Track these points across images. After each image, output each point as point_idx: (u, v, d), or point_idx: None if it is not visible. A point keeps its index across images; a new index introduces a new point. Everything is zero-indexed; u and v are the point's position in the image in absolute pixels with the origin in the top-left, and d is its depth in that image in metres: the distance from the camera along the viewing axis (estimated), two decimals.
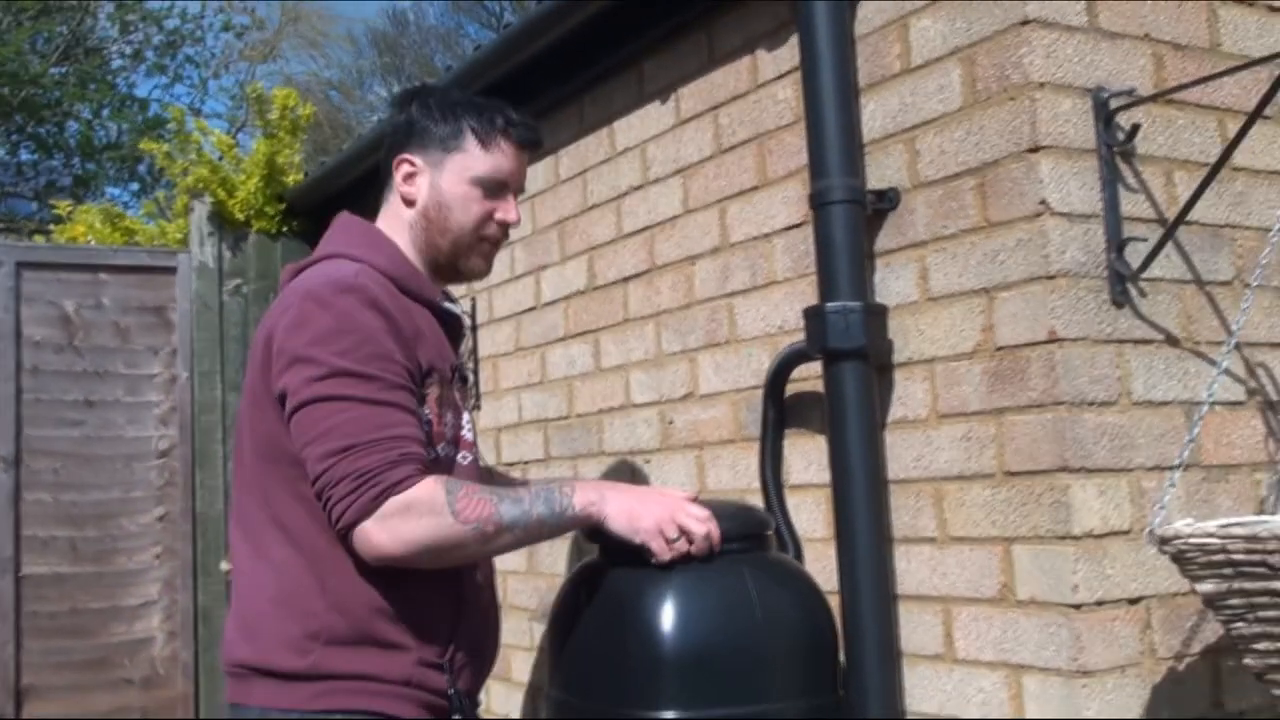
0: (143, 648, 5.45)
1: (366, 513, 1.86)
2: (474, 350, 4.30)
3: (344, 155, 5.34)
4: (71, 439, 5.37)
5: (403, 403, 1.94)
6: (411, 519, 1.87)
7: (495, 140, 2.20)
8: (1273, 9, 2.69)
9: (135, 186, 16.49)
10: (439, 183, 2.18)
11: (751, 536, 2.42)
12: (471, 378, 2.33)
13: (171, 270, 5.63)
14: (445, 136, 2.18)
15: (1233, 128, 2.57)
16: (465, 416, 2.18)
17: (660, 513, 2.09)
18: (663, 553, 2.09)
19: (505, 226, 2.25)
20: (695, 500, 2.17)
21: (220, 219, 5.69)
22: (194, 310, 5.62)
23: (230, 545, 2.18)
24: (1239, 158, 2.54)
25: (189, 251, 5.70)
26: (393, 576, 1.97)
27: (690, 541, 2.11)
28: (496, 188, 2.21)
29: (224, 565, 5.48)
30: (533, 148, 2.30)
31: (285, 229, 5.80)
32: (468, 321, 2.25)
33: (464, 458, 2.14)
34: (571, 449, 3.82)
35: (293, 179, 5.80)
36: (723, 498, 3.12)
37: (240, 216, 5.69)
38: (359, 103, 26.36)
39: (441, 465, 2.04)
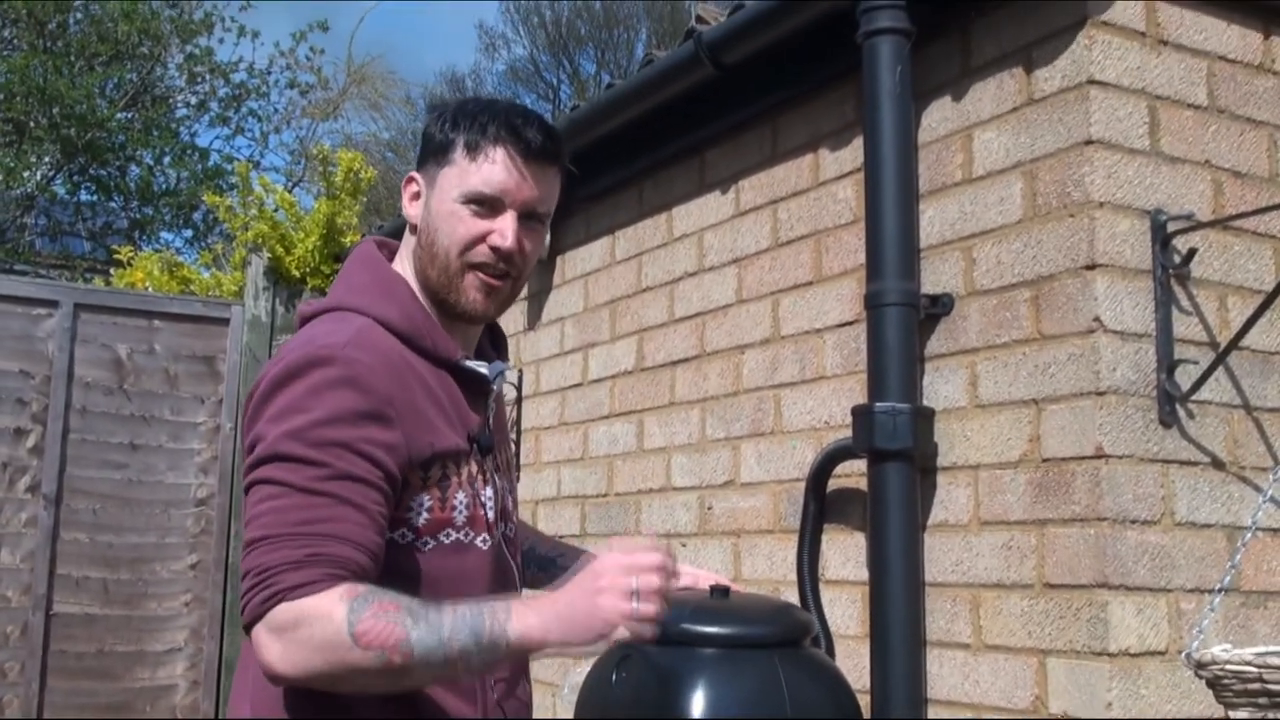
0: (165, 695, 5.47)
1: (256, 617, 1.54)
2: (517, 421, 4.34)
3: (400, 220, 5.42)
4: (113, 481, 5.43)
5: (347, 495, 1.59)
6: (302, 635, 1.52)
7: (485, 149, 1.81)
8: None
9: (189, 233, 16.73)
10: (432, 202, 1.81)
11: (789, 642, 2.43)
12: (495, 449, 1.88)
13: (224, 321, 5.72)
14: (439, 149, 1.83)
15: None
16: (488, 492, 1.82)
17: (606, 596, 1.57)
18: (638, 633, 1.59)
19: (498, 252, 1.80)
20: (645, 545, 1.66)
21: (276, 274, 5.79)
22: (243, 362, 5.69)
23: None
24: None
25: (243, 304, 5.79)
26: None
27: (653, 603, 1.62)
28: (489, 204, 1.80)
29: None
30: (541, 157, 1.85)
31: None
32: (510, 381, 1.85)
33: (483, 541, 1.80)
34: (608, 527, 3.84)
35: (350, 239, 5.90)
36: (758, 590, 3.13)
37: (296, 273, 5.79)
38: (412, 165, 26.77)
39: (444, 553, 1.74)
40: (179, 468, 5.56)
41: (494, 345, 1.98)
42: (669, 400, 3.63)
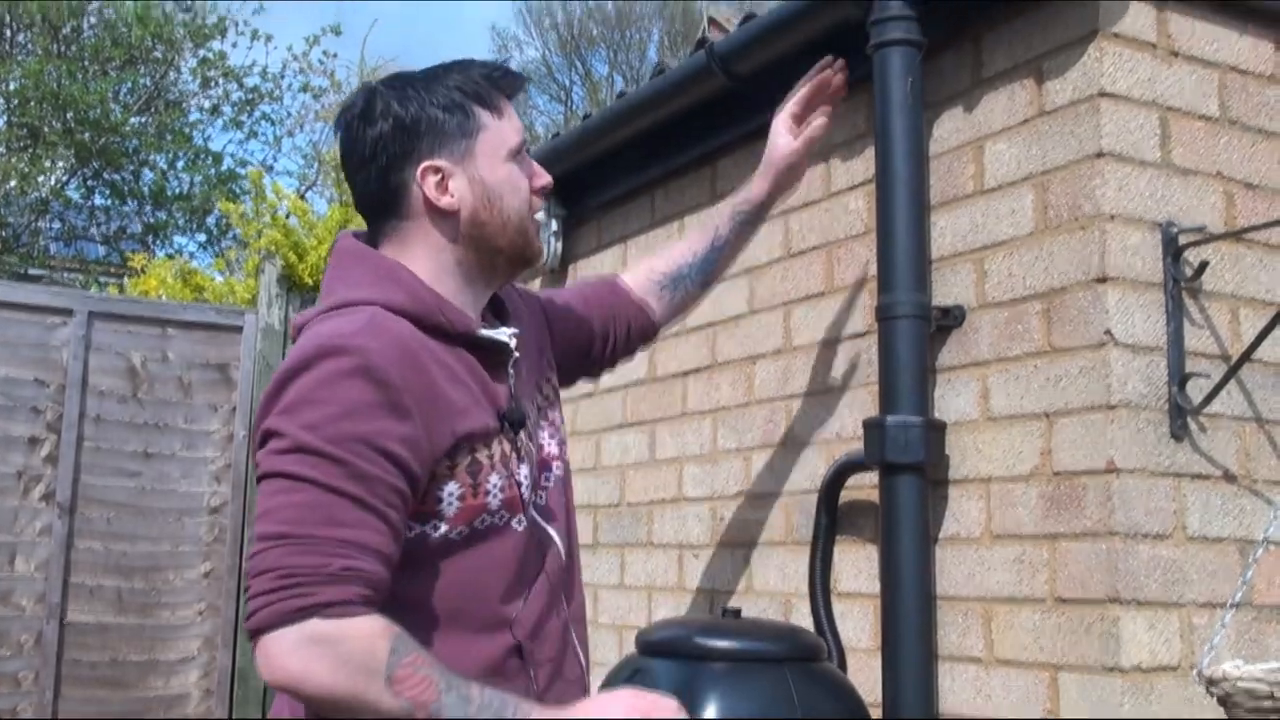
0: (178, 704, 5.49)
1: (282, 622, 1.50)
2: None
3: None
4: (127, 489, 5.45)
5: (368, 498, 1.56)
6: (340, 654, 1.50)
7: (500, 104, 1.84)
8: None
9: (202, 237, 16.78)
10: (479, 174, 1.79)
11: (800, 657, 2.44)
12: (533, 415, 1.87)
13: (238, 329, 5.74)
14: (458, 124, 1.78)
15: None
16: (524, 470, 1.78)
17: None
18: None
19: (545, 190, 1.91)
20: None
21: (289, 281, 5.81)
22: (256, 370, 5.71)
23: None
24: None
25: (256, 311, 5.81)
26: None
27: None
28: (520, 153, 1.86)
29: None
30: (520, 90, 1.92)
31: None
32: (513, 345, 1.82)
33: (519, 522, 1.76)
34: (620, 537, 3.84)
35: None
36: (770, 602, 3.13)
37: (309, 280, 5.81)
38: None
39: (476, 540, 1.71)
40: (193, 476, 5.58)
41: (495, 313, 1.94)
42: (681, 410, 3.63)
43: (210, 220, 16.47)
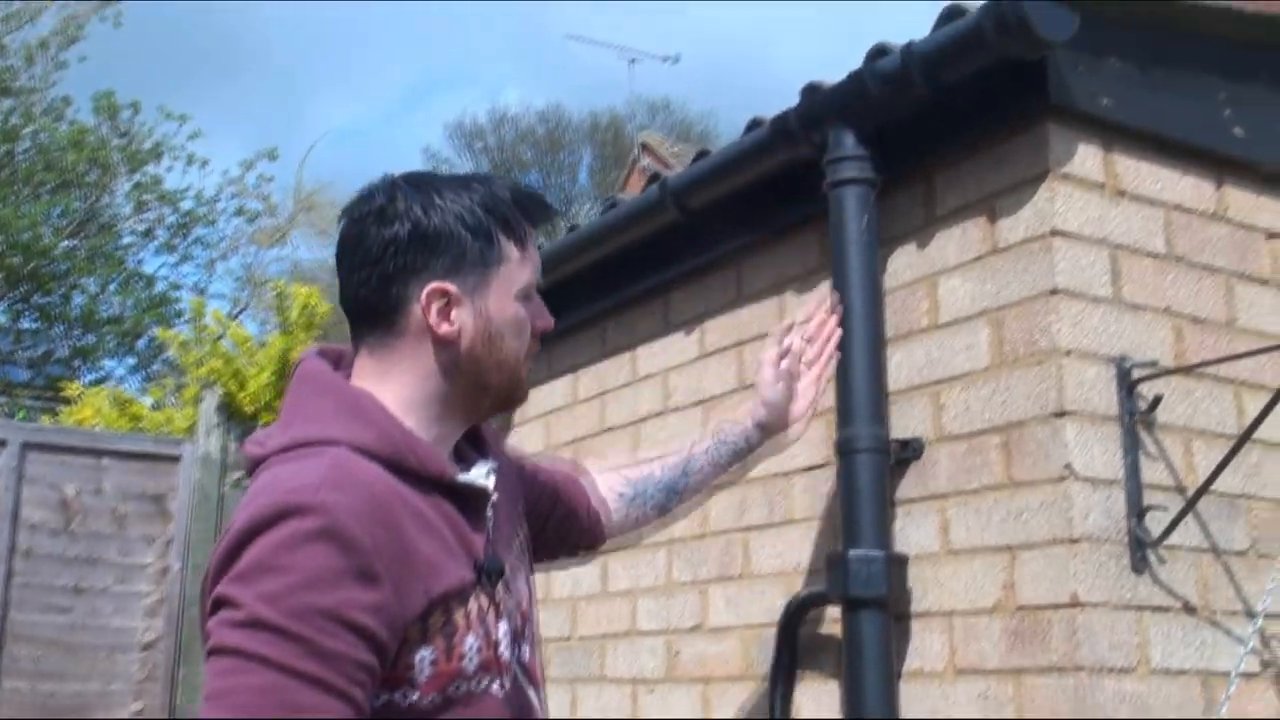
0: None
1: None
2: None
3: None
4: (56, 625, 5.30)
5: (331, 679, 1.41)
6: None
7: (524, 234, 1.69)
8: None
9: (132, 361, 16.63)
10: (487, 309, 1.64)
11: None
12: (511, 564, 1.69)
13: (175, 459, 5.66)
14: (481, 250, 1.63)
15: (1248, 400, 2.64)
16: (503, 627, 1.63)
17: None
18: None
19: (545, 334, 1.78)
20: None
21: (229, 410, 5.75)
22: (194, 501, 5.62)
23: None
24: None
25: (194, 441, 5.73)
26: None
27: None
28: (531, 291, 1.72)
29: None
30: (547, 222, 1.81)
31: None
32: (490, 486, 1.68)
33: (498, 687, 1.61)
34: (571, 671, 3.78)
35: None
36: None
37: (249, 409, 5.75)
38: None
39: (452, 709, 1.57)
40: (125, 611, 5.44)
41: (472, 443, 1.78)
42: (634, 542, 3.59)
43: (141, 344, 16.32)
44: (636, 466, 2.26)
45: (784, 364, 2.35)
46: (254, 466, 1.60)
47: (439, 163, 31.18)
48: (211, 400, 5.76)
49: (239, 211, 17.30)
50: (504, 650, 1.62)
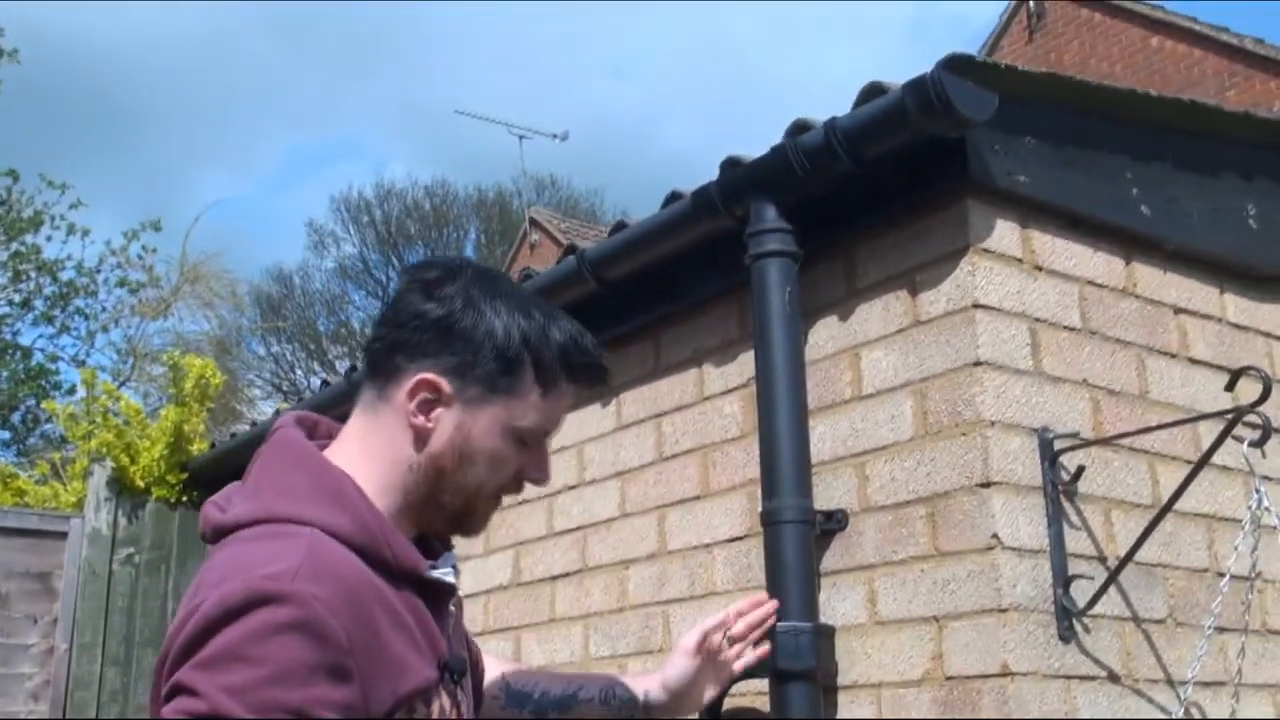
0: None
1: None
2: None
3: (255, 430, 5.33)
4: None
5: None
6: None
7: (560, 385, 1.62)
8: (1193, 361, 2.88)
9: (7, 435, 16.09)
10: (469, 428, 1.58)
11: None
12: (466, 667, 1.63)
13: (62, 535, 5.46)
14: (497, 373, 1.57)
15: (1161, 470, 2.71)
16: None
17: None
18: None
19: (531, 484, 1.70)
20: None
21: (120, 485, 5.58)
22: (81, 578, 5.42)
23: None
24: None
25: (82, 517, 5.54)
26: None
27: None
28: (534, 440, 1.64)
29: None
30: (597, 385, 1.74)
31: (186, 498, 5.70)
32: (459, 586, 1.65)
33: None
34: None
35: (198, 447, 5.73)
36: None
37: (141, 483, 5.59)
38: (236, 360, 26.41)
39: None
40: (8, 694, 5.21)
41: (427, 543, 1.70)
42: (549, 617, 3.55)
43: (16, 417, 15.81)
44: (524, 671, 2.20)
45: (708, 642, 2.33)
46: (215, 534, 1.53)
47: (323, 235, 30.95)
48: (101, 474, 5.58)
49: (121, 282, 16.89)
50: None
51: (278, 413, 5.31)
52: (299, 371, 29.29)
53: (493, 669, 2.11)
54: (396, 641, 1.48)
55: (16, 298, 16.44)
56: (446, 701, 1.55)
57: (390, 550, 1.52)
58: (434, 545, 1.70)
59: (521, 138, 22.21)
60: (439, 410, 1.58)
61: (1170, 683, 2.57)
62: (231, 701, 1.32)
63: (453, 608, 1.63)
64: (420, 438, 1.59)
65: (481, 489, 1.63)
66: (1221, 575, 2.64)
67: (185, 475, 5.67)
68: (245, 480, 1.59)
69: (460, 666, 1.59)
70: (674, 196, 3.14)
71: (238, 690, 1.32)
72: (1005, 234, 2.61)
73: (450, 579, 1.61)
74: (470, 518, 1.67)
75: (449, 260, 1.65)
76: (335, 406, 4.02)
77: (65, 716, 5.23)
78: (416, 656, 1.51)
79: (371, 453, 1.59)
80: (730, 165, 2.90)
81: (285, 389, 27.43)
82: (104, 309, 17.41)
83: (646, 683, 2.23)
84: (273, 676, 1.33)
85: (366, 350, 1.66)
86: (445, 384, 1.57)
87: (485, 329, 1.57)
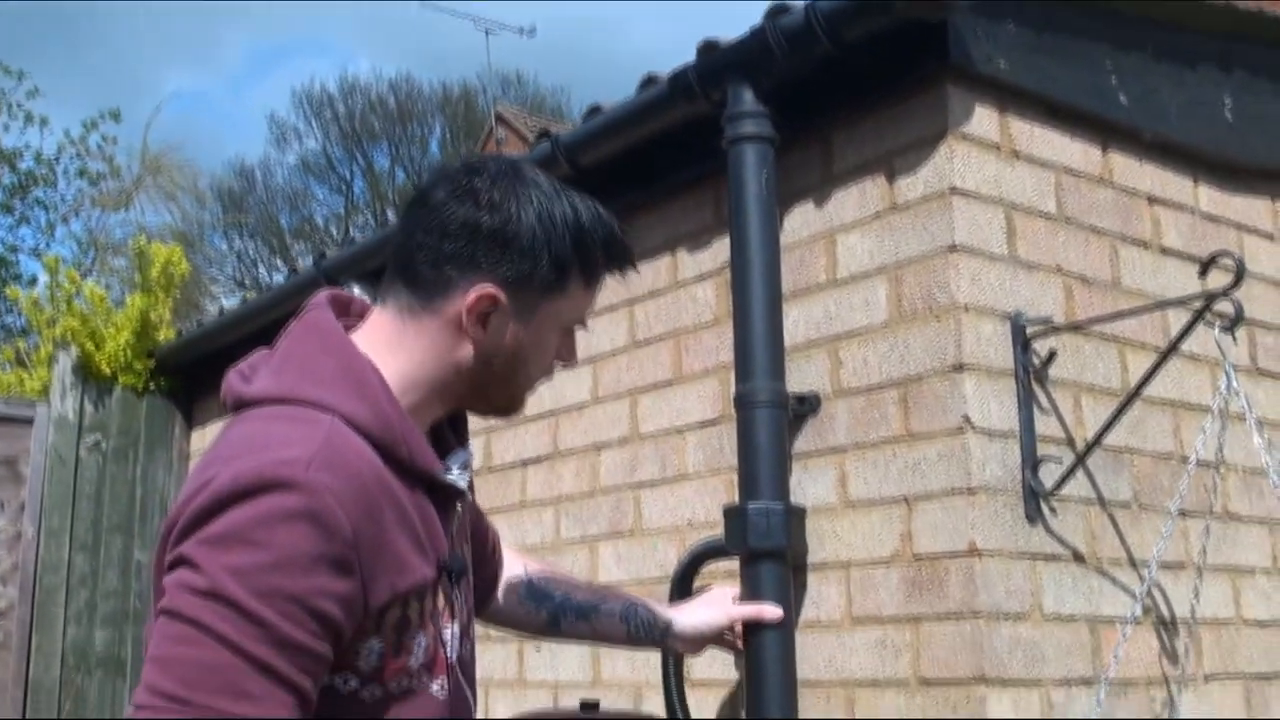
0: None
1: None
2: None
3: (224, 318, 5.28)
4: None
5: (283, 668, 1.37)
6: None
7: (597, 279, 1.65)
8: (1165, 250, 2.90)
9: None
10: (522, 334, 1.59)
11: None
12: (470, 569, 1.70)
13: (28, 421, 5.43)
14: (550, 279, 1.58)
15: (1131, 358, 2.74)
16: (453, 628, 1.60)
17: None
18: None
19: (561, 368, 1.74)
20: None
21: (85, 371, 5.53)
22: (48, 464, 5.40)
23: None
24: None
25: (48, 403, 5.50)
26: None
27: None
28: (574, 328, 1.70)
29: None
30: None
31: (153, 385, 5.67)
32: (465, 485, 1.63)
33: (439, 688, 1.57)
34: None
35: (165, 335, 5.69)
36: (620, 694, 3.09)
37: (107, 370, 5.54)
38: (198, 254, 26.15)
39: (391, 703, 1.52)
40: None
41: (452, 425, 1.71)
42: (519, 500, 3.58)
43: None
44: (550, 575, 2.20)
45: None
46: (236, 405, 1.54)
47: (285, 130, 30.51)
48: (66, 361, 5.53)
49: (81, 173, 16.60)
50: (450, 651, 1.59)
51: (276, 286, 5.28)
52: (261, 268, 29.05)
53: (516, 565, 2.13)
54: (400, 539, 1.48)
55: None
56: (441, 600, 1.56)
57: (406, 448, 1.51)
58: (448, 439, 1.68)
59: (488, 32, 21.81)
60: (494, 320, 1.57)
61: (1133, 563, 2.62)
62: (232, 581, 1.33)
63: (460, 508, 1.63)
64: (473, 344, 1.58)
65: (530, 380, 1.65)
66: (1186, 460, 2.69)
67: (152, 362, 5.63)
68: (272, 353, 1.58)
69: (460, 567, 1.60)
70: (650, 80, 3.11)
71: (239, 571, 1.34)
72: (984, 120, 2.60)
73: (461, 483, 1.61)
74: (512, 405, 1.69)
75: (486, 162, 1.62)
76: (297, 297, 4.00)
77: (34, 600, 5.25)
78: (418, 555, 1.51)
79: (405, 348, 1.58)
80: (708, 48, 2.88)
81: (248, 284, 27.20)
82: (64, 200, 17.14)
83: (669, 613, 2.27)
84: (276, 562, 1.35)
85: (403, 260, 1.61)
86: (503, 296, 1.55)
87: (541, 236, 1.56)
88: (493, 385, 1.62)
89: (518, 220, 1.55)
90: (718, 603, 2.41)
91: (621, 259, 1.66)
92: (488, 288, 1.54)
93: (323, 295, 1.64)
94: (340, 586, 1.39)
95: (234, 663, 1.33)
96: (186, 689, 1.32)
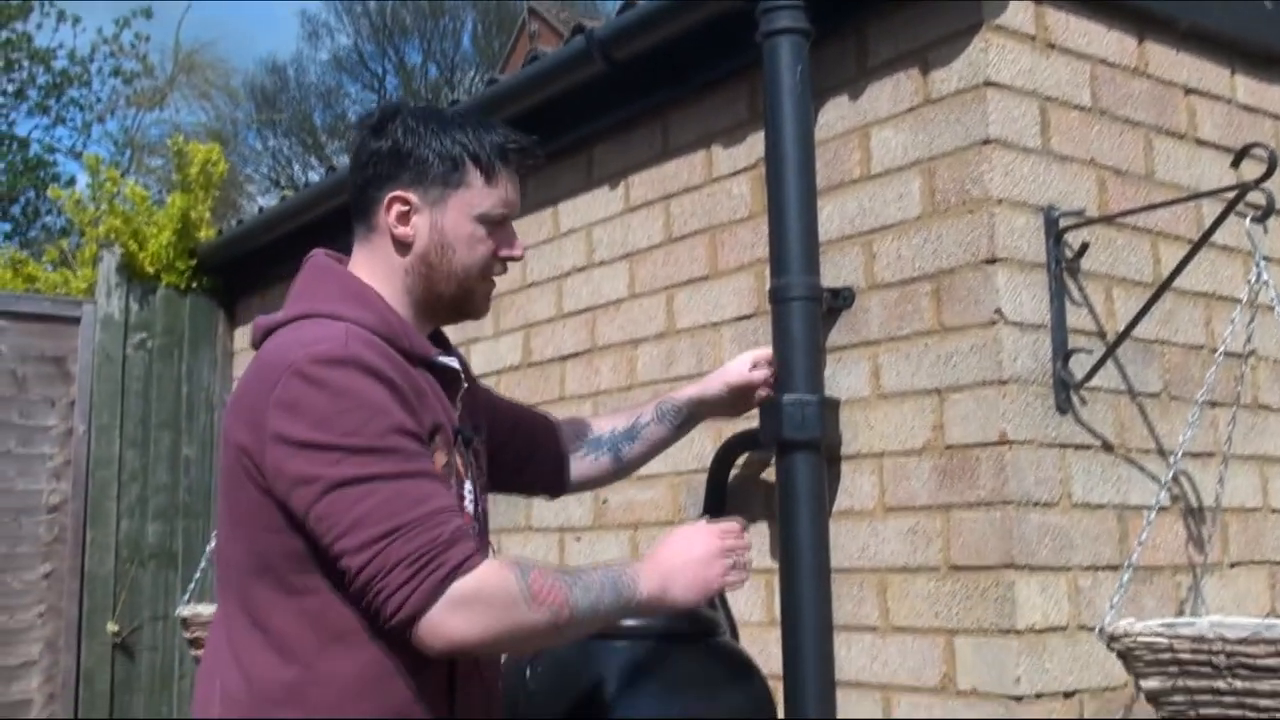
0: (20, 710, 5.26)
1: (432, 598, 1.65)
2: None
3: (263, 217, 5.33)
4: None
5: (430, 471, 1.74)
6: (485, 600, 1.68)
7: (498, 170, 1.94)
8: (1200, 142, 2.89)
9: (8, 226, 16.07)
10: (441, 223, 1.90)
11: (698, 634, 2.49)
12: (474, 439, 2.02)
13: (75, 320, 5.52)
14: (445, 170, 1.90)
15: (1164, 250, 2.75)
16: (467, 485, 1.91)
17: (711, 564, 1.96)
18: (735, 585, 2.00)
19: (510, 261, 2.01)
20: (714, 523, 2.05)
21: (129, 271, 5.62)
22: (96, 362, 5.51)
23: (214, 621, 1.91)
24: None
25: (94, 302, 5.60)
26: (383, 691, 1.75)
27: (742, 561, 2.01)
28: (500, 222, 1.95)
29: (111, 626, 5.34)
30: (535, 170, 2.11)
31: (195, 284, 5.75)
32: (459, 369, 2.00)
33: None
34: (496, 523, 3.81)
35: (205, 234, 5.75)
36: None
37: (150, 270, 5.62)
38: (233, 153, 26.19)
39: None
40: (30, 473, 5.35)
41: (436, 342, 2.02)
42: (559, 395, 3.65)
43: (16, 209, 15.77)
44: (598, 422, 2.49)
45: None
46: (265, 334, 1.86)
47: (317, 26, 30.28)
48: (111, 260, 5.61)
49: (115, 71, 16.62)
50: (467, 504, 1.90)
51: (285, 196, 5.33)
52: (296, 166, 29.08)
53: (568, 436, 2.42)
54: (424, 390, 1.84)
55: (10, 87, 16.21)
56: (458, 459, 1.89)
57: (407, 339, 1.86)
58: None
59: None
60: (414, 218, 1.91)
61: (1161, 452, 2.66)
62: (356, 439, 1.68)
63: (464, 387, 1.98)
64: (405, 244, 1.92)
65: (469, 270, 1.95)
66: (1215, 351, 2.71)
67: (194, 262, 5.70)
68: (287, 298, 1.93)
69: (468, 434, 1.95)
70: None
71: (354, 430, 1.68)
72: (1019, 11, 2.59)
73: (455, 364, 1.95)
74: (469, 300, 1.99)
75: (386, 104, 2.01)
76: (335, 196, 4.02)
77: (87, 494, 5.39)
78: (439, 412, 1.87)
79: (377, 272, 1.92)
80: None
81: (283, 183, 27.24)
82: (99, 99, 17.20)
83: (690, 390, 2.56)
84: (371, 413, 1.70)
85: (350, 201, 1.99)
86: (411, 195, 1.90)
87: (427, 143, 1.90)
88: (439, 280, 1.93)
89: (406, 138, 1.91)
90: (733, 362, 2.65)
91: (517, 156, 1.97)
92: (396, 191, 1.90)
93: (319, 250, 2.01)
94: (411, 421, 1.75)
95: (401, 486, 1.68)
96: (390, 522, 1.65)
